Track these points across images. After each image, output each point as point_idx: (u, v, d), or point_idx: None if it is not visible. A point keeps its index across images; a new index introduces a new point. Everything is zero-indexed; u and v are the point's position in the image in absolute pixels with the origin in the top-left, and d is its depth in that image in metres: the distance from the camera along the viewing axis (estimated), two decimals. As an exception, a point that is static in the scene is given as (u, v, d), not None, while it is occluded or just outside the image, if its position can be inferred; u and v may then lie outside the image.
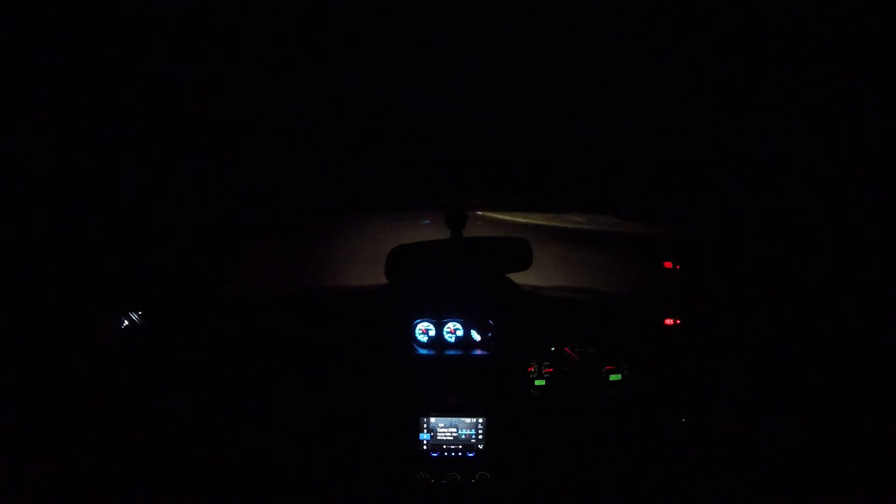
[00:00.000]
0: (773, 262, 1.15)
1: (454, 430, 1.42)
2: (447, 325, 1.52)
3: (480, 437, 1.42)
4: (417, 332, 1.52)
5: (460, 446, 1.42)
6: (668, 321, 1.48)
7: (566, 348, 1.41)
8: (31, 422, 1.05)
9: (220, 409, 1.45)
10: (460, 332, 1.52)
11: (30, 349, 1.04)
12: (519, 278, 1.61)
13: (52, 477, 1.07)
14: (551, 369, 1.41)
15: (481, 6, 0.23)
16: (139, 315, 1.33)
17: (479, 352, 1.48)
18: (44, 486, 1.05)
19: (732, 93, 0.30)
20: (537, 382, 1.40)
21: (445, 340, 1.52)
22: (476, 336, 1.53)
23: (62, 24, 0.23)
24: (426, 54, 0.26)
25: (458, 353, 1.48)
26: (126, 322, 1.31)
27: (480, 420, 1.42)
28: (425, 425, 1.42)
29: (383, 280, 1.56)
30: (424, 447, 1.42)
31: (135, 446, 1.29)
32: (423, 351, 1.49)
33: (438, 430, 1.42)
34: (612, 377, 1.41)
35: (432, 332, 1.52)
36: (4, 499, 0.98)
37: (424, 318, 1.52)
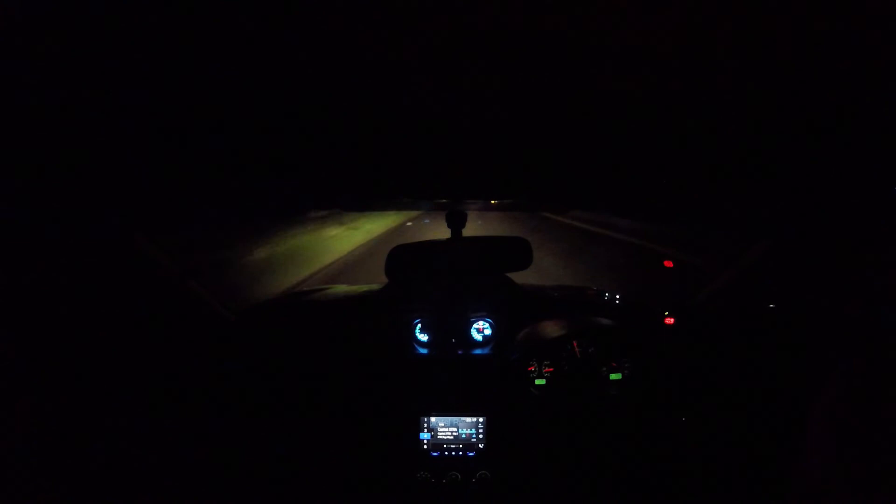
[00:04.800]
0: (774, 261, 1.15)
1: (454, 429, 1.42)
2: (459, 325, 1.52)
3: (481, 436, 1.42)
4: (417, 331, 1.52)
5: (460, 446, 1.42)
6: (669, 321, 1.48)
7: (570, 344, 1.41)
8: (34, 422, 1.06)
9: (219, 409, 1.45)
10: (461, 332, 1.52)
11: (33, 349, 1.04)
12: (519, 277, 1.60)
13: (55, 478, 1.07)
14: (551, 369, 1.41)
15: (482, 6, 0.23)
16: (140, 317, 1.33)
17: (479, 351, 1.48)
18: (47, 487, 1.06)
19: (732, 91, 0.30)
20: (537, 382, 1.40)
21: (446, 340, 1.52)
22: (476, 336, 1.53)
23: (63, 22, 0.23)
24: (425, 52, 0.26)
25: (459, 352, 1.48)
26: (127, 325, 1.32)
27: (481, 419, 1.42)
28: (425, 425, 1.42)
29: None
30: (425, 446, 1.42)
31: (131, 446, 1.29)
32: (423, 350, 1.49)
33: (439, 429, 1.42)
34: (613, 377, 1.41)
35: (434, 332, 1.52)
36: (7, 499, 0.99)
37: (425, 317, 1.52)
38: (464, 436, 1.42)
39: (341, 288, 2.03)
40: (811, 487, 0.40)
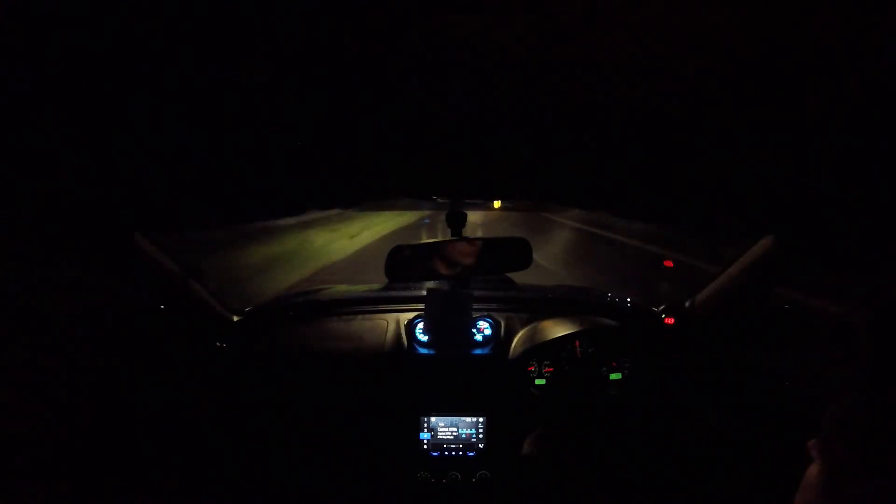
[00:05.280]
0: (775, 261, 1.15)
1: (454, 429, 1.42)
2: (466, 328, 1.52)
3: (481, 436, 1.42)
4: (417, 331, 1.52)
5: (461, 446, 1.42)
6: (669, 321, 1.48)
7: (570, 344, 1.41)
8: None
9: (219, 409, 1.45)
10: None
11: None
12: (520, 277, 1.60)
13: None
14: (551, 369, 1.41)
15: (481, 6, 0.23)
16: (140, 318, 1.33)
17: (479, 351, 1.48)
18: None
19: (733, 89, 0.30)
20: (538, 382, 1.40)
21: (446, 340, 1.52)
22: (476, 336, 1.52)
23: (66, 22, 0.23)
24: (425, 50, 0.26)
25: (459, 352, 1.48)
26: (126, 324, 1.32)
27: (481, 419, 1.42)
28: (425, 425, 1.42)
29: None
30: (424, 447, 1.42)
31: (132, 446, 1.29)
32: (423, 350, 1.49)
33: (439, 429, 1.42)
34: (613, 377, 1.41)
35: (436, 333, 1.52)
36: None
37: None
38: (464, 436, 1.42)
39: (341, 288, 2.03)
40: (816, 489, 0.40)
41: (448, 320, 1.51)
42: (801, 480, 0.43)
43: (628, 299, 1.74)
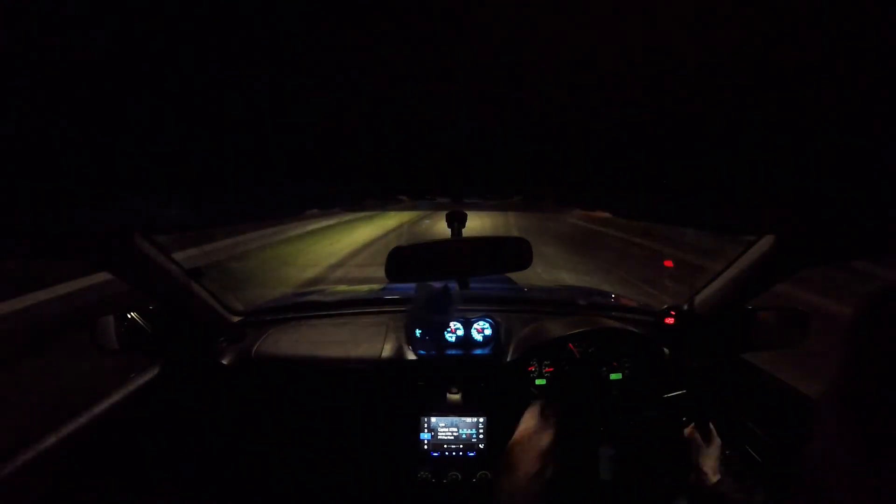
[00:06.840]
0: (775, 261, 1.15)
1: (455, 429, 1.42)
2: (448, 325, 1.52)
3: (481, 436, 1.42)
4: (418, 331, 1.52)
5: (461, 446, 1.42)
6: (669, 321, 1.48)
7: (570, 344, 1.41)
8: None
9: (219, 410, 1.45)
10: (461, 332, 1.52)
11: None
12: (520, 277, 1.60)
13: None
14: (552, 369, 1.41)
15: (481, 4, 0.22)
16: (142, 317, 1.33)
17: (479, 351, 1.48)
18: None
19: (735, 87, 0.30)
20: (538, 382, 1.40)
21: (446, 340, 1.52)
22: (476, 336, 1.52)
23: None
24: (423, 47, 0.26)
25: (459, 352, 1.48)
26: (128, 324, 1.32)
27: (481, 420, 1.42)
28: (426, 425, 1.42)
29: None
30: (425, 447, 1.42)
31: (132, 446, 1.29)
32: (423, 351, 1.49)
33: (439, 429, 1.42)
34: (613, 377, 1.41)
35: (433, 332, 1.52)
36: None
37: None
38: (464, 436, 1.42)
39: (342, 288, 2.04)
40: (814, 484, 0.40)
41: (429, 316, 1.49)
42: (802, 476, 0.43)
43: (628, 299, 1.74)
